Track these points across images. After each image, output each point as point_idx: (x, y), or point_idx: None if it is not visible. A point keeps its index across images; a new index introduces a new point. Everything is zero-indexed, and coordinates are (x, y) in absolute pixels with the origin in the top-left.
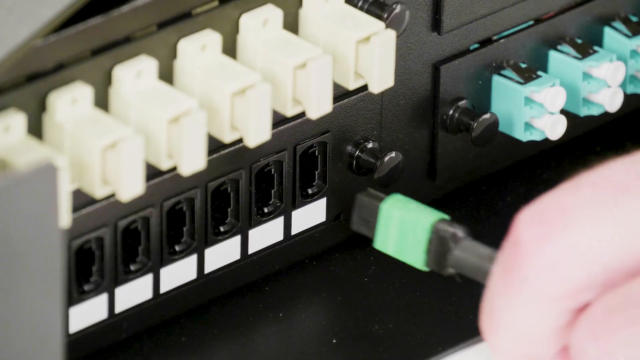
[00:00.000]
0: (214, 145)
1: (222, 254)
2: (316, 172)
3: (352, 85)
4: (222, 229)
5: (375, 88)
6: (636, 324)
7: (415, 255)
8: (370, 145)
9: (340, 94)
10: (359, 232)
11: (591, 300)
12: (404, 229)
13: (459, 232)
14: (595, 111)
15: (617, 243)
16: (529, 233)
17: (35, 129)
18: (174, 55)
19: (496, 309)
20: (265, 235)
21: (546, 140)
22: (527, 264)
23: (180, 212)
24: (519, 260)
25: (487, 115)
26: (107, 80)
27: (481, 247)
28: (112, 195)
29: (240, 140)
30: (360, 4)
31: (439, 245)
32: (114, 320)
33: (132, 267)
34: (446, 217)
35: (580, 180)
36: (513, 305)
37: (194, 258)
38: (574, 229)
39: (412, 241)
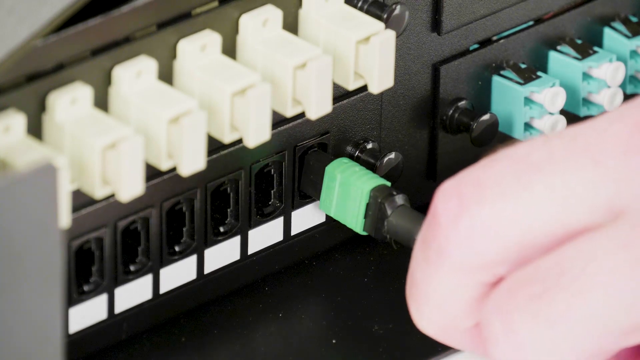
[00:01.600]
0: (214, 145)
1: (221, 254)
2: None
3: (351, 86)
4: (221, 229)
5: (375, 88)
6: (540, 300)
7: (354, 219)
8: (370, 145)
9: (340, 94)
10: (307, 193)
11: (504, 275)
12: (345, 192)
13: (398, 199)
14: (595, 111)
15: (530, 219)
16: (445, 206)
17: (35, 129)
18: (173, 55)
19: (416, 279)
20: (265, 235)
21: None
22: (442, 236)
23: (180, 212)
24: (436, 232)
25: (487, 116)
26: (107, 81)
27: (416, 215)
28: (112, 195)
29: (240, 141)
30: (360, 4)
31: (376, 211)
32: (114, 320)
33: (132, 268)
34: (387, 183)
35: (497, 157)
36: (430, 276)
37: (193, 258)
38: (488, 204)
39: (352, 205)
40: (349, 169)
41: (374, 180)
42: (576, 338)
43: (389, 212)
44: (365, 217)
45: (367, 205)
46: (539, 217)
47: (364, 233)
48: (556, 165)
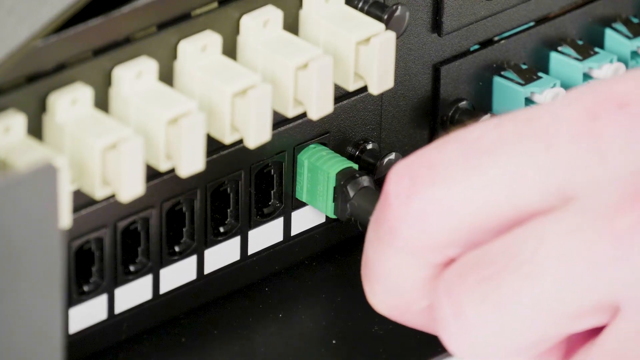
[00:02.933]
0: (214, 145)
1: (221, 254)
2: None
3: (352, 87)
4: (221, 229)
5: (375, 89)
6: (488, 283)
7: (324, 203)
8: (370, 146)
9: (340, 95)
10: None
11: (455, 256)
12: (313, 177)
13: (361, 180)
14: None
15: (481, 201)
16: (397, 187)
17: (36, 130)
18: (174, 56)
19: (369, 259)
20: (265, 236)
21: None
22: (393, 216)
23: (180, 212)
24: (387, 212)
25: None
26: (107, 81)
27: (377, 196)
28: (112, 195)
29: (240, 141)
30: (360, 5)
31: (342, 194)
32: (114, 320)
33: (132, 268)
34: (354, 166)
35: (449, 138)
36: (382, 256)
37: (193, 259)
38: (439, 185)
39: (320, 189)
40: (316, 154)
41: (340, 164)
42: (525, 322)
43: (351, 194)
44: (334, 200)
45: (335, 188)
46: (489, 199)
47: (334, 217)
48: (508, 147)
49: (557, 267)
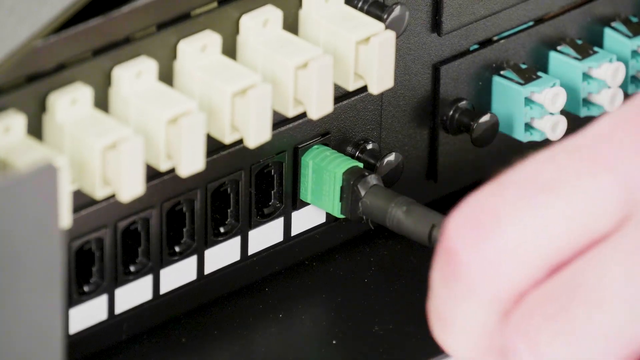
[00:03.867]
0: (214, 145)
1: (222, 255)
2: None
3: (351, 86)
4: (222, 230)
5: (375, 89)
6: (559, 316)
7: (330, 204)
8: (370, 146)
9: (340, 94)
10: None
11: (525, 291)
12: (318, 178)
13: (370, 179)
14: (595, 112)
15: (548, 238)
16: (462, 239)
17: (36, 130)
18: (174, 56)
19: (446, 316)
20: (265, 236)
21: (546, 141)
22: (464, 268)
23: (180, 213)
24: (457, 269)
25: (487, 116)
26: (107, 81)
27: (390, 193)
28: (112, 196)
29: (240, 141)
30: (360, 4)
31: (350, 193)
32: (114, 321)
33: (132, 268)
34: (359, 164)
35: (503, 182)
36: (462, 312)
37: (193, 259)
38: (506, 229)
39: (326, 190)
40: (320, 155)
41: (346, 163)
42: (600, 348)
43: (362, 193)
44: (341, 200)
45: (341, 188)
46: (556, 234)
47: (342, 216)
48: (568, 180)
49: (625, 289)
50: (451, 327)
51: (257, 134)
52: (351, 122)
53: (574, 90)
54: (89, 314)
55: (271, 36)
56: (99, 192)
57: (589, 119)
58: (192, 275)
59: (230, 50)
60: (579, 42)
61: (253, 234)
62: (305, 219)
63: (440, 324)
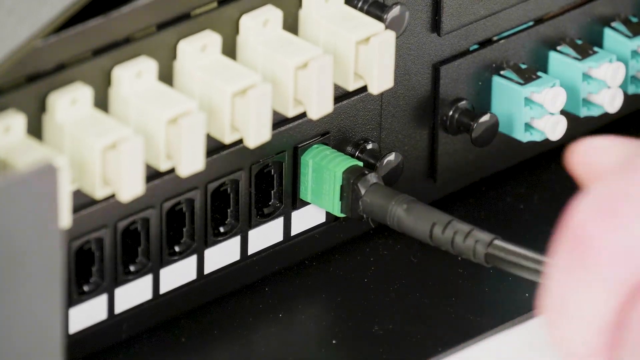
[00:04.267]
0: (214, 145)
1: (221, 254)
2: None
3: (351, 86)
4: (221, 229)
5: (375, 89)
6: None
7: (330, 203)
8: (370, 146)
9: (340, 94)
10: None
11: None
12: (318, 177)
13: (370, 177)
14: (595, 112)
15: None
16: (596, 225)
17: (35, 130)
18: (173, 56)
19: (566, 304)
20: (265, 236)
21: (546, 141)
22: (596, 256)
23: (180, 212)
24: (587, 254)
25: (487, 116)
26: (107, 81)
27: (390, 191)
28: (112, 196)
29: (240, 141)
30: (360, 4)
31: (350, 192)
32: (114, 320)
33: (132, 268)
34: (359, 163)
35: (625, 167)
36: (586, 300)
37: (193, 259)
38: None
39: (326, 189)
40: (320, 154)
41: (346, 162)
42: None
43: (362, 191)
44: (341, 199)
45: (341, 187)
46: None
47: (342, 215)
48: None
49: None
50: (571, 316)
51: (257, 134)
52: (351, 122)
53: (573, 90)
54: (88, 313)
55: (271, 36)
56: (99, 192)
57: (588, 119)
58: (192, 275)
59: (230, 50)
60: (579, 42)
61: (253, 234)
62: (305, 219)
63: (556, 313)
